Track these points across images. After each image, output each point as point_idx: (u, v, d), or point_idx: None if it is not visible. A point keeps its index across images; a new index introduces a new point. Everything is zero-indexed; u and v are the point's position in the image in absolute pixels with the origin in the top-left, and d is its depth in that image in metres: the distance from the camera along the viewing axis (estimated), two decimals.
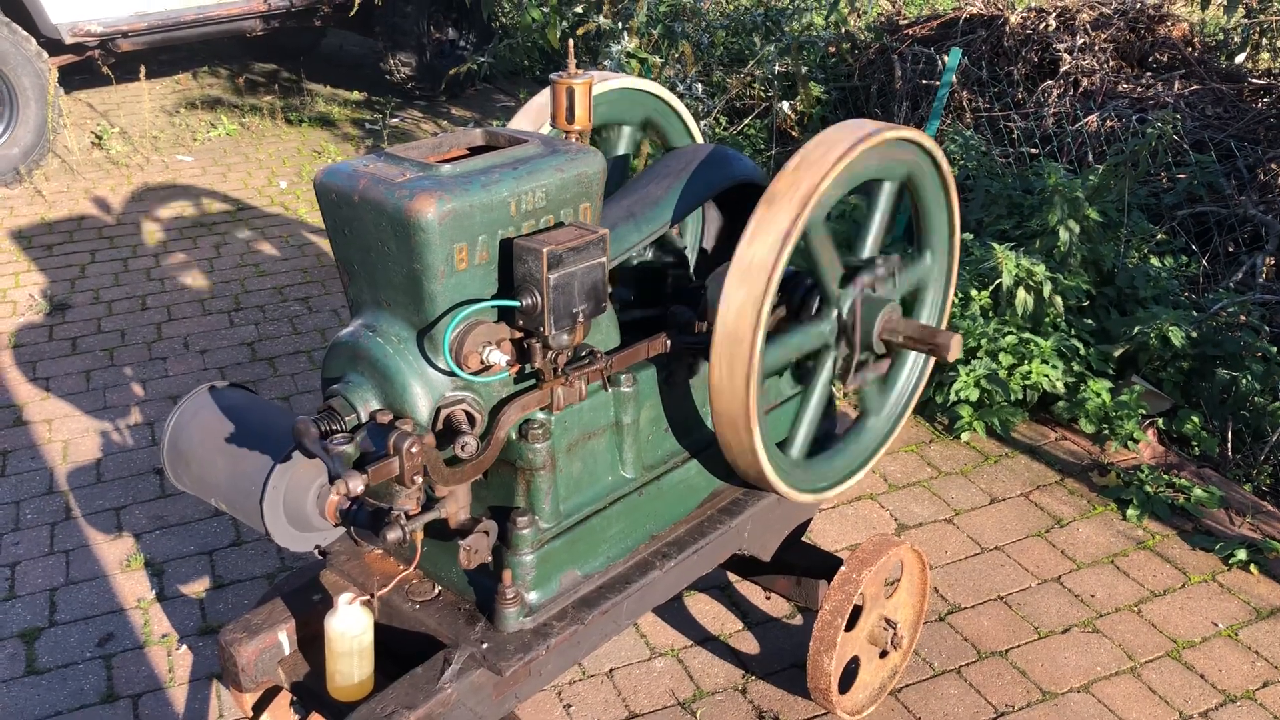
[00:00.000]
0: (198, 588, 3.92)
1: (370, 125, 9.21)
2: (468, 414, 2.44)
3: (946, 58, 6.53)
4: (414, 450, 2.28)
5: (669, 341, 2.83)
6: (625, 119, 3.41)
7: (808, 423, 2.98)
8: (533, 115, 3.20)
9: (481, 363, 2.41)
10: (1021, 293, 4.79)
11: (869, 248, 3.00)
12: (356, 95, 10.10)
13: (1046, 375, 4.73)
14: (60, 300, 6.22)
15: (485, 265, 2.40)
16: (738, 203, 3.19)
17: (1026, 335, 4.83)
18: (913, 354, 3.27)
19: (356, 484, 2.23)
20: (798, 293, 2.93)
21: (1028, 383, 4.77)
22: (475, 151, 2.58)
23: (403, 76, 9.62)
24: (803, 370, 3.23)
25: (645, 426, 2.90)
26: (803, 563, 3.47)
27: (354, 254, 2.44)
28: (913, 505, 4.39)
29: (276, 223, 7.33)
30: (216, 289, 6.36)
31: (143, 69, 9.61)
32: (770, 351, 2.73)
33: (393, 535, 2.41)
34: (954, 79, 6.63)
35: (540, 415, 2.63)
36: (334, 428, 2.38)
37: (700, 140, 3.63)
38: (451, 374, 2.38)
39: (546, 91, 2.90)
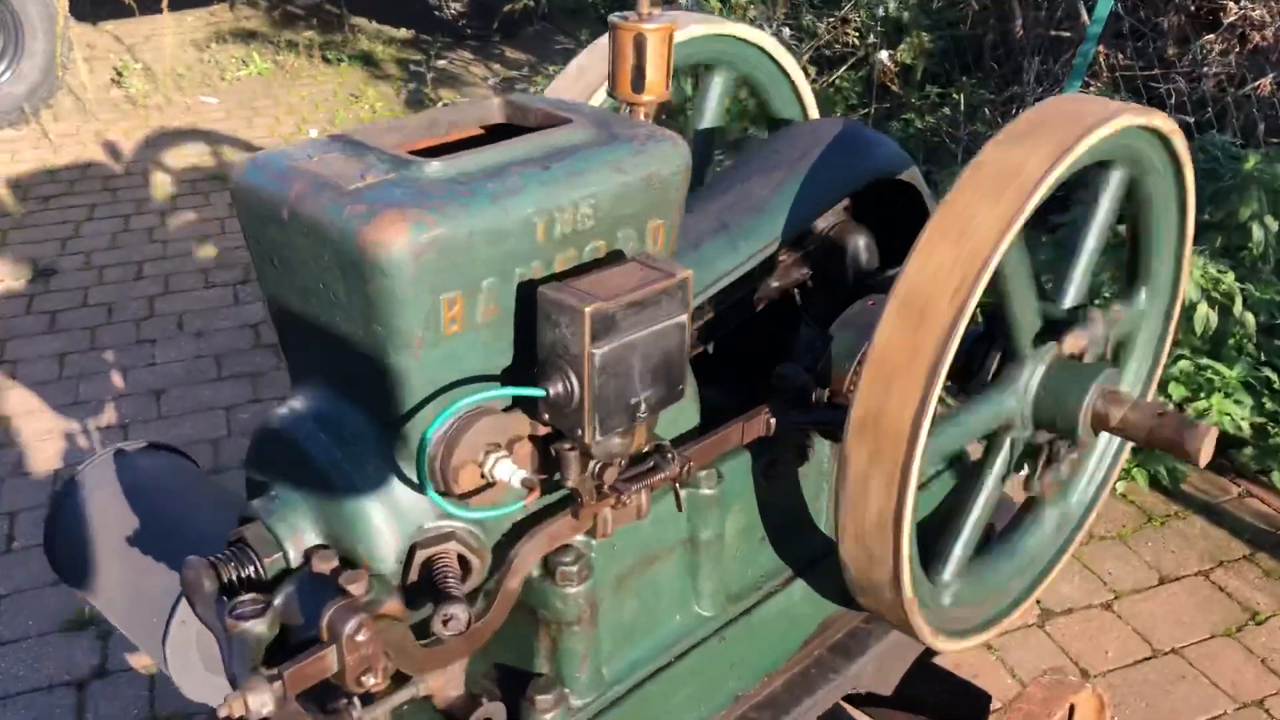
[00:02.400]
0: (149, 661, 3.09)
1: (415, 67, 8.28)
2: (461, 557, 1.54)
3: (1092, 2, 5.43)
4: (360, 638, 1.39)
5: (773, 420, 1.90)
6: (709, 78, 2.45)
7: (967, 538, 2.03)
8: (578, 78, 2.25)
9: (484, 478, 1.50)
10: (1203, 307, 3.77)
11: (1075, 291, 2.03)
12: (403, 33, 9.18)
13: (1229, 413, 3.72)
14: (46, 265, 5.42)
15: (492, 326, 1.49)
16: (875, 208, 2.23)
17: (1205, 361, 3.81)
18: None
19: (262, 702, 1.34)
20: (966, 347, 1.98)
21: (1204, 422, 3.75)
22: (491, 136, 1.65)
23: (454, 13, 8.70)
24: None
25: (733, 540, 1.98)
26: (937, 699, 2.54)
27: (287, 298, 1.54)
28: (1058, 581, 3.43)
29: None
30: (224, 256, 5.52)
31: None
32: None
33: None
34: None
35: (579, 540, 1.73)
36: (245, 576, 1.50)
37: (813, 111, 2.66)
38: (437, 502, 1.48)
39: (601, 43, 1.96)
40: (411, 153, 1.48)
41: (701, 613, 1.96)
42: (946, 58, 7.16)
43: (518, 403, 1.54)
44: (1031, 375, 1.96)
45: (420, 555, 1.51)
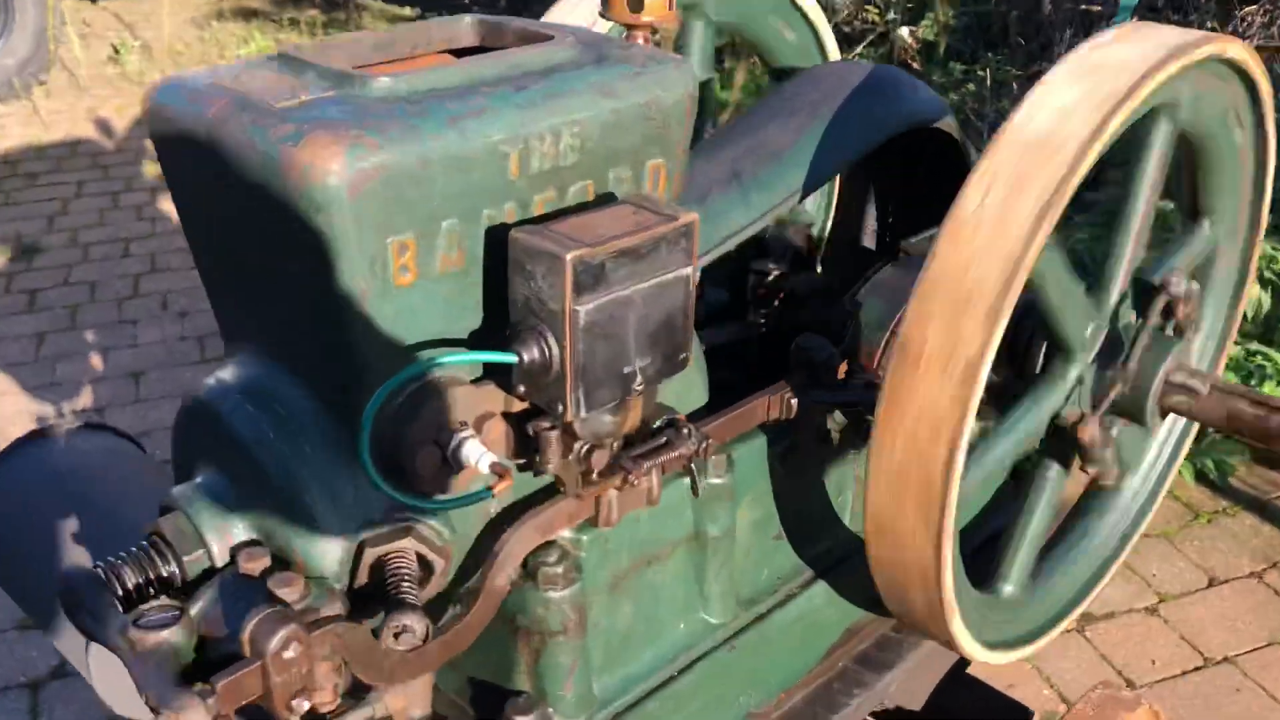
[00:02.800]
0: None
1: None
2: (420, 558, 1.29)
3: None
4: (289, 655, 1.13)
5: (794, 399, 1.64)
6: (714, 15, 2.17)
7: (1028, 546, 1.77)
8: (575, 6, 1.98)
9: (446, 463, 1.25)
10: (1255, 288, 3.49)
11: (1129, 254, 1.76)
12: (409, 11, 8.92)
13: None
14: (30, 242, 5.19)
15: (455, 278, 1.23)
16: (907, 160, 1.96)
17: (1255, 347, 3.54)
18: None
19: None
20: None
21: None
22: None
23: None
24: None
25: (745, 537, 1.72)
26: (971, 713, 2.28)
27: (212, 244, 1.29)
28: None
29: None
30: None
31: None
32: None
33: None
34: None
35: (567, 538, 1.47)
36: (154, 577, 1.25)
37: (834, 54, 2.39)
38: (385, 491, 1.22)
39: None
40: (353, 69, 1.22)
41: (709, 620, 1.70)
42: (970, 33, 6.87)
43: (488, 374, 1.29)
44: (1089, 357, 1.69)
45: (370, 555, 1.25)
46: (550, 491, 1.39)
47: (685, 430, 1.40)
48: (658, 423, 1.42)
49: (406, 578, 1.25)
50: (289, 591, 1.18)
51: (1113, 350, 1.66)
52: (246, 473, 1.27)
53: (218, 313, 1.37)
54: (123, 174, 5.97)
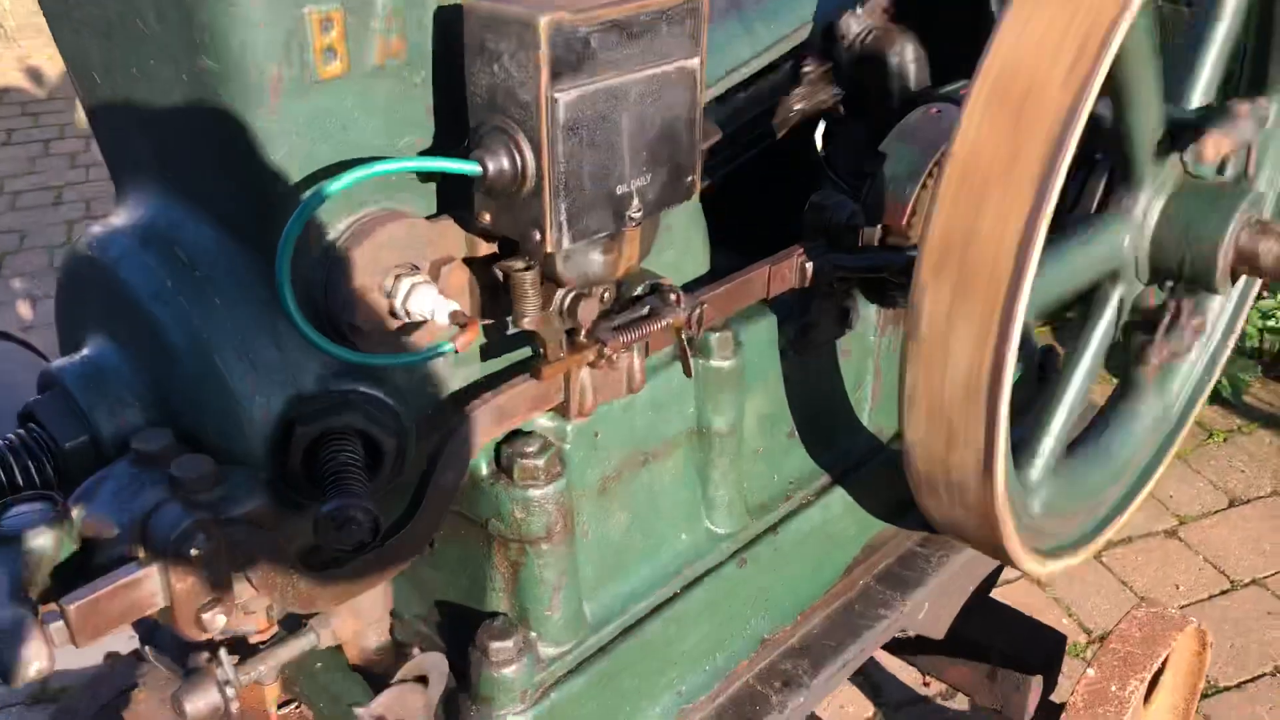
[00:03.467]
0: None
1: None
2: (366, 437, 1.02)
3: None
4: (198, 552, 0.87)
5: (809, 264, 1.38)
6: None
7: (1061, 425, 1.53)
8: None
9: (393, 315, 0.99)
10: None
11: (1204, 85, 1.53)
12: None
13: None
14: None
15: (396, 73, 0.96)
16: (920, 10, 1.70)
17: None
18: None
19: (33, 654, 0.83)
20: None
21: (1268, 324, 3.29)
22: None
23: None
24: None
25: (754, 434, 1.47)
26: (1001, 644, 2.05)
27: (86, 52, 1.01)
28: None
29: None
30: None
31: None
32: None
33: (198, 705, 1.04)
34: None
35: (545, 425, 1.21)
36: (28, 467, 0.98)
37: None
38: (324, 347, 0.95)
39: None
40: None
41: (714, 529, 1.45)
42: None
43: (445, 209, 1.03)
44: (1150, 203, 1.46)
45: (302, 434, 0.99)
46: (505, 376, 1.13)
47: (673, 296, 1.14)
48: (639, 289, 1.16)
49: (351, 463, 0.99)
50: (196, 478, 0.92)
51: None
52: (142, 336, 1.00)
53: (104, 147, 1.09)
54: (55, 121, 5.62)
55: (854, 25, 1.68)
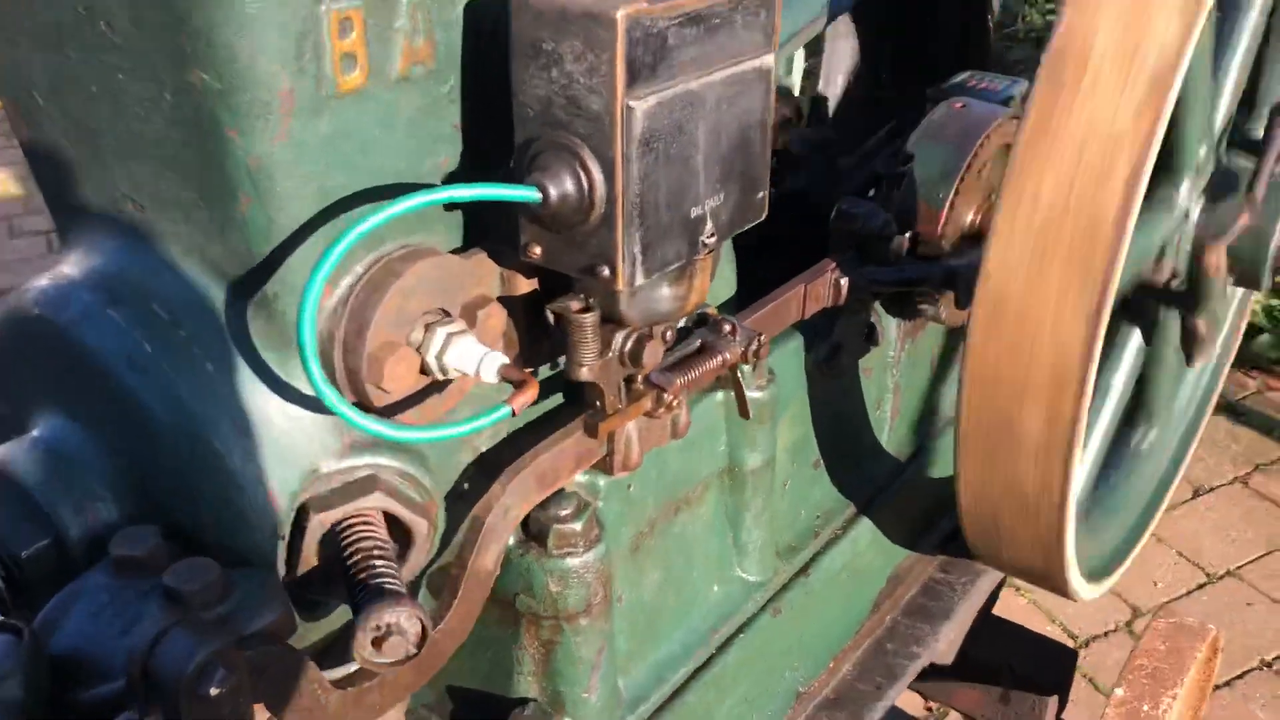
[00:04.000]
0: None
1: None
2: (392, 520, 0.85)
3: None
4: (214, 693, 0.69)
5: (844, 280, 1.25)
6: None
7: (1105, 430, 1.43)
8: None
9: (425, 372, 0.82)
10: None
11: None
12: None
13: None
14: None
15: (422, 83, 0.80)
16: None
17: None
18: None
19: None
20: None
21: None
22: None
23: None
24: None
25: (784, 465, 1.33)
26: (1014, 664, 1.94)
27: (27, 65, 0.82)
28: None
29: None
30: (35, 199, 4.59)
31: None
32: None
33: None
34: None
35: (577, 481, 1.05)
36: None
37: None
38: (356, 424, 0.78)
39: None
40: None
41: (746, 577, 1.31)
42: None
43: (473, 241, 0.87)
44: (1194, 193, 1.36)
45: (318, 520, 0.82)
46: (532, 431, 0.97)
47: (726, 327, 1.00)
48: (683, 320, 1.02)
49: (379, 552, 0.82)
50: (200, 589, 0.74)
51: (1224, 184, 1.34)
52: (113, 412, 0.81)
53: (44, 181, 0.90)
54: None
55: None
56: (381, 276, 0.80)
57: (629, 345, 0.87)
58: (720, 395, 1.19)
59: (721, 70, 0.80)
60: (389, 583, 0.80)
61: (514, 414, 0.79)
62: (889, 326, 1.45)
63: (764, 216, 0.90)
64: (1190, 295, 1.35)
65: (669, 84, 0.76)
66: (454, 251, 0.86)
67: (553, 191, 0.75)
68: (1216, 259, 1.26)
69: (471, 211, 0.87)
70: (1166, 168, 1.34)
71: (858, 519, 1.47)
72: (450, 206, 0.85)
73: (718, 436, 1.21)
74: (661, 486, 1.15)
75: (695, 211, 0.82)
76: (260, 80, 0.70)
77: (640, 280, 0.79)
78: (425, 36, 0.78)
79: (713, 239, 0.84)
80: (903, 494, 1.55)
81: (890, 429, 1.54)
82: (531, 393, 0.79)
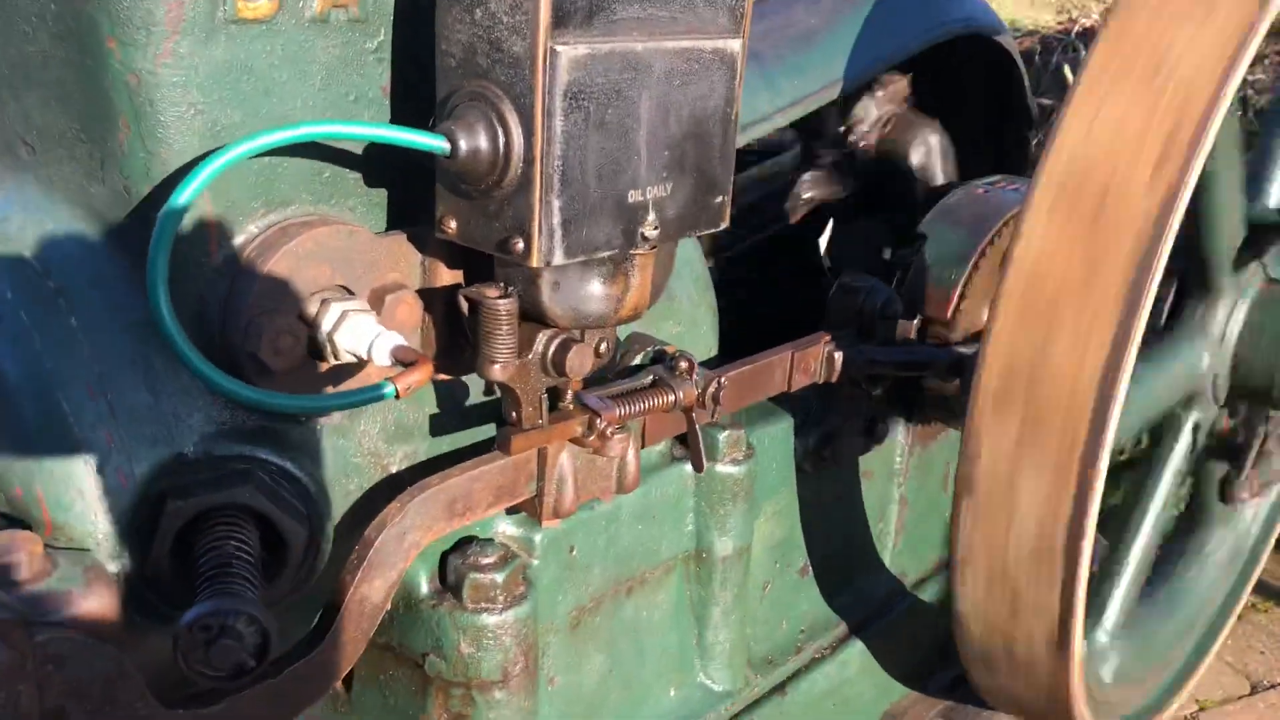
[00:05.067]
0: None
1: None
2: (263, 521, 0.74)
3: None
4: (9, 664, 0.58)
5: (838, 354, 1.13)
6: None
7: (1132, 575, 1.28)
8: None
9: (314, 350, 0.72)
10: None
11: None
12: None
13: None
14: None
15: (345, 29, 0.72)
16: (938, 77, 1.52)
17: None
18: None
19: None
20: None
21: None
22: None
23: None
24: None
25: (761, 564, 1.20)
26: None
27: None
28: None
29: None
30: None
31: None
32: None
33: None
34: None
35: (508, 533, 0.93)
36: None
37: None
38: (212, 379, 0.68)
39: None
40: None
41: (711, 685, 1.16)
42: None
43: (398, 222, 0.78)
44: (1231, 315, 1.24)
45: (175, 510, 0.71)
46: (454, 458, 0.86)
47: (683, 364, 0.89)
48: (640, 356, 0.92)
49: (240, 553, 0.71)
50: (19, 560, 0.63)
51: None
52: None
53: None
54: None
55: (872, 110, 1.49)
56: (275, 238, 0.71)
57: (552, 348, 0.76)
58: (689, 466, 1.07)
59: (674, 40, 0.72)
60: (237, 585, 0.68)
61: (397, 395, 0.69)
62: (895, 427, 1.33)
63: (723, 225, 0.81)
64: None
65: (606, 38, 0.68)
66: (375, 233, 0.77)
67: (463, 143, 0.67)
68: None
69: (396, 191, 0.79)
70: (1201, 288, 1.23)
71: (850, 641, 1.31)
72: (370, 181, 0.77)
73: (683, 513, 1.09)
74: (612, 557, 1.02)
75: (634, 196, 0.73)
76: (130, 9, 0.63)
77: (559, 258, 0.69)
78: None
79: (655, 232, 0.75)
80: (905, 622, 1.39)
81: (894, 546, 1.40)
82: (423, 374, 0.69)
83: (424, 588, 0.92)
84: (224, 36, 0.67)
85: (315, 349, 0.73)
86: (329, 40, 0.72)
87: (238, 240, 0.72)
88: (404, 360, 0.69)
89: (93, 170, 0.71)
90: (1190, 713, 2.61)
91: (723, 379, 0.91)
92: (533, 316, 0.76)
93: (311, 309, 0.72)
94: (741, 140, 1.20)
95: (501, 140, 0.67)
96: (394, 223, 0.79)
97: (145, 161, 0.68)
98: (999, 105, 1.54)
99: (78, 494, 0.69)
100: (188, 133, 0.68)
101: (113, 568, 0.70)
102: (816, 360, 1.13)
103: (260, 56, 0.69)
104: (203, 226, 0.70)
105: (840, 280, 1.18)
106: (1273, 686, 2.71)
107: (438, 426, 0.87)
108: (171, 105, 0.67)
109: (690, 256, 1.05)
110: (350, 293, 0.74)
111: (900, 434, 1.33)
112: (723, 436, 1.08)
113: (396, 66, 0.76)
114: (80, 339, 0.71)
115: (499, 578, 0.89)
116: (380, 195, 0.78)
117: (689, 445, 0.93)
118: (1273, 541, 1.59)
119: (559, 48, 0.65)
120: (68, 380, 0.70)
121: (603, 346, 0.80)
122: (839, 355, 1.13)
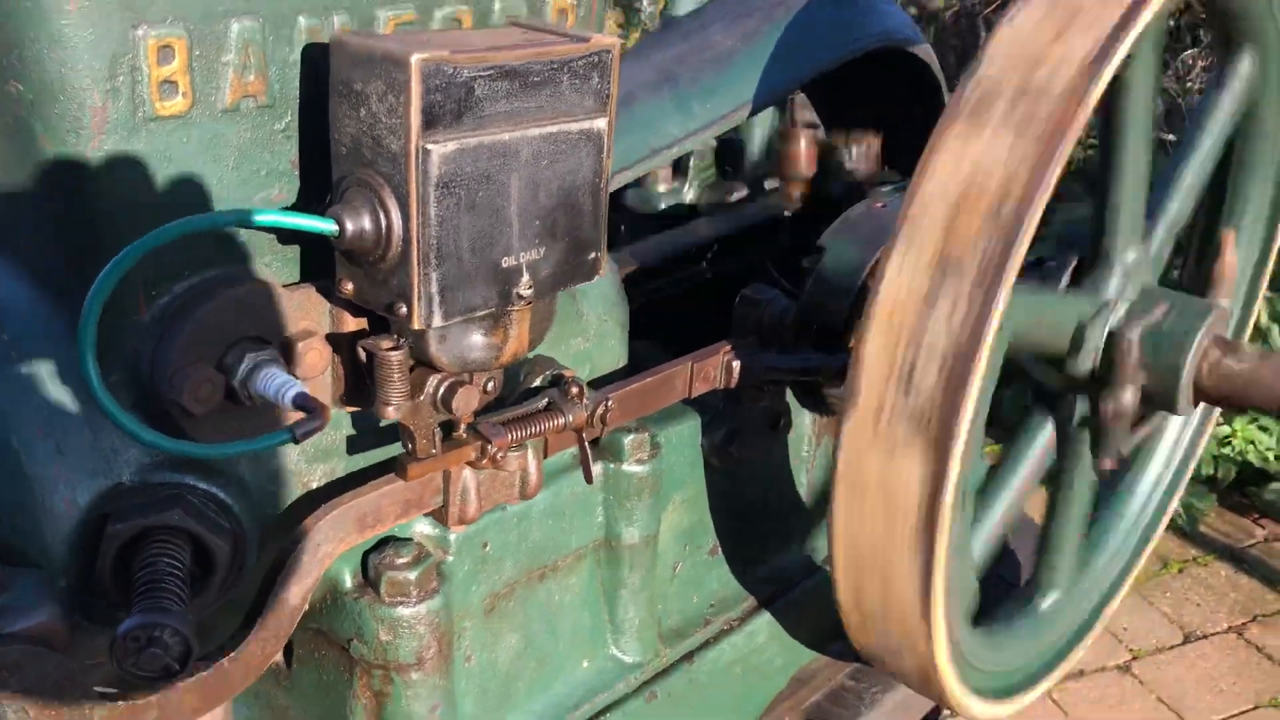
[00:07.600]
0: None
1: None
2: (195, 540, 0.86)
3: None
4: None
5: (736, 363, 1.25)
6: None
7: (1072, 536, 1.40)
8: None
9: (230, 395, 0.84)
10: None
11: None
12: None
13: (1254, 442, 3.16)
14: None
15: (254, 116, 0.83)
16: (861, 86, 1.61)
17: None
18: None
19: None
20: None
21: (1224, 452, 3.20)
22: None
23: None
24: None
25: (673, 548, 1.32)
26: None
27: None
28: None
29: None
30: None
31: None
32: None
33: None
34: None
35: (426, 533, 1.06)
36: None
37: None
38: (137, 434, 0.80)
39: None
40: None
41: (622, 657, 1.29)
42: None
43: (311, 276, 0.89)
44: (1121, 284, 1.33)
45: (114, 533, 0.83)
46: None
47: (574, 389, 1.00)
48: (539, 379, 1.03)
49: (170, 572, 0.83)
50: None
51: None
52: None
53: None
54: None
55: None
56: (195, 298, 0.82)
57: (442, 390, 0.88)
58: (599, 466, 1.19)
59: (543, 127, 0.82)
60: (166, 599, 0.80)
61: (295, 440, 0.80)
62: (802, 420, 1.45)
63: (599, 277, 0.92)
64: (1100, 380, 1.32)
65: (475, 132, 0.78)
66: (287, 286, 0.88)
67: (349, 225, 0.78)
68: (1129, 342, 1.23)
69: (309, 248, 0.90)
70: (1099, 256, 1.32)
71: (758, 613, 1.44)
72: (285, 240, 0.88)
73: (593, 507, 1.21)
74: (523, 550, 1.15)
75: (508, 262, 0.84)
76: (70, 95, 0.73)
77: (439, 321, 0.81)
78: (257, 72, 0.81)
79: (529, 291, 0.86)
80: (816, 595, 1.52)
81: (804, 527, 1.52)
82: (321, 421, 0.80)
83: (348, 582, 1.04)
84: (144, 132, 0.77)
85: (232, 394, 0.84)
86: (240, 125, 0.82)
87: (164, 300, 0.83)
88: (305, 407, 0.81)
89: (37, 239, 0.82)
90: (1124, 661, 2.77)
91: (609, 401, 1.02)
92: (424, 363, 0.87)
93: (229, 359, 0.84)
94: (648, 166, 1.30)
95: (384, 222, 0.78)
96: (305, 273, 0.90)
97: (84, 237, 0.79)
98: (924, 113, 1.63)
99: (30, 521, 0.81)
100: (119, 213, 0.79)
101: (61, 583, 0.83)
102: (716, 368, 1.24)
103: (178, 146, 0.79)
104: (134, 289, 0.81)
105: (742, 293, 1.29)
106: (1205, 637, 2.86)
107: (354, 446, 0.98)
108: (105, 191, 0.78)
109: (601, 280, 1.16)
110: (265, 342, 0.85)
111: (807, 426, 1.45)
112: (628, 440, 1.20)
113: (304, 142, 0.86)
114: (30, 386, 0.82)
115: (412, 575, 1.02)
116: (293, 250, 0.89)
117: (580, 460, 1.05)
118: (1168, 515, 1.71)
119: (430, 146, 0.76)
120: (19, 422, 0.81)
121: (490, 385, 0.91)
122: (737, 364, 1.24)
